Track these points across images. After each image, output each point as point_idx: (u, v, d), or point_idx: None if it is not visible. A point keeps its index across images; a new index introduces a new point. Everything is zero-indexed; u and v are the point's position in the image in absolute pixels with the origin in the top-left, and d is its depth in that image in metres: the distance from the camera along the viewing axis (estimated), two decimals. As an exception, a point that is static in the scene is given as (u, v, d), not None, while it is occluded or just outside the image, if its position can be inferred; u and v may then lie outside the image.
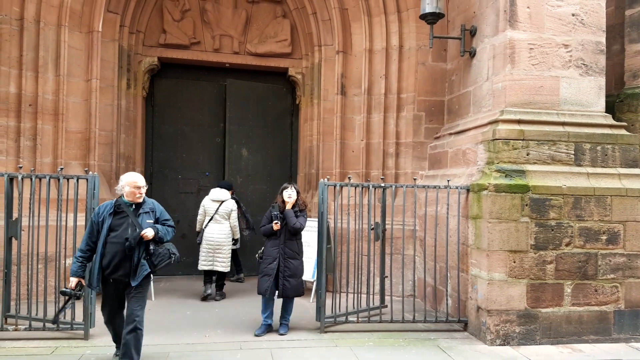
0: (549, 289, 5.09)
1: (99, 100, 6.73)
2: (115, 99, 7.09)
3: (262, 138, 8.43)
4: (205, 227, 6.72)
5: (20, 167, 5.61)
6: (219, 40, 7.99)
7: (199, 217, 6.86)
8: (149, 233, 3.96)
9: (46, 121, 6.36)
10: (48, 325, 4.85)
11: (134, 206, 4.09)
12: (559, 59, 5.45)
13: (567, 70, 5.46)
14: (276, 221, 5.21)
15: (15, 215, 5.09)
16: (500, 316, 5.01)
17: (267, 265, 5.23)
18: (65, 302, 4.05)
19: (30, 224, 5.10)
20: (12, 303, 5.17)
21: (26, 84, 6.25)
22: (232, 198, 7.01)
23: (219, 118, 8.43)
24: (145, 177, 7.93)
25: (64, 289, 4.00)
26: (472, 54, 6.16)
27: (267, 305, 5.28)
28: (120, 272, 3.97)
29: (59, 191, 4.97)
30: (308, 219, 7.28)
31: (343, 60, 7.41)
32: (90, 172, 5.40)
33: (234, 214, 6.83)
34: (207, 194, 7.08)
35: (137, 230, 3.96)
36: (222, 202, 6.77)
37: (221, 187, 7.00)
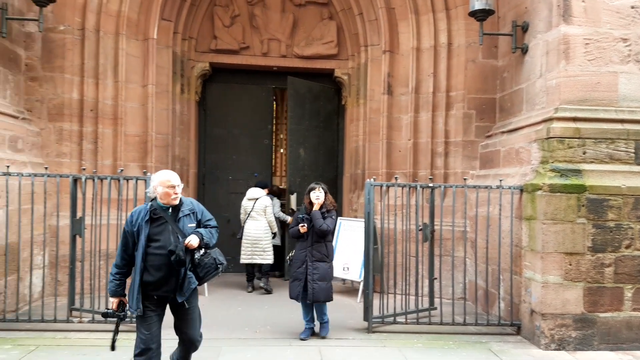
0: (608, 293, 4.88)
1: (155, 105, 7.05)
2: (170, 104, 7.40)
3: (316, 138, 8.42)
4: (244, 224, 7.24)
5: (84, 169, 5.95)
6: (267, 44, 8.15)
7: (241, 216, 7.37)
8: (193, 241, 3.42)
9: (106, 125, 6.71)
10: (110, 318, 5.10)
11: (170, 209, 3.54)
12: (617, 53, 5.21)
13: (625, 65, 5.21)
14: (303, 224, 5.09)
15: (79, 214, 5.40)
16: (555, 320, 4.86)
17: (296, 269, 5.15)
18: (116, 327, 3.62)
19: (93, 222, 5.40)
20: (77, 297, 5.50)
21: (87, 90, 6.61)
22: (268, 196, 7.51)
23: (267, 121, 8.61)
24: (198, 178, 8.40)
25: (106, 310, 3.64)
26: (524, 51, 5.99)
27: (306, 310, 5.21)
28: (165, 288, 3.47)
29: (119, 191, 5.24)
30: (354, 219, 7.41)
31: (390, 59, 7.38)
32: (148, 174, 5.65)
33: (269, 210, 7.30)
34: None
35: (180, 238, 3.42)
36: (257, 199, 7.28)
37: (256, 187, 7.51)
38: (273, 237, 7.38)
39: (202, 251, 3.50)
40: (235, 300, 6.61)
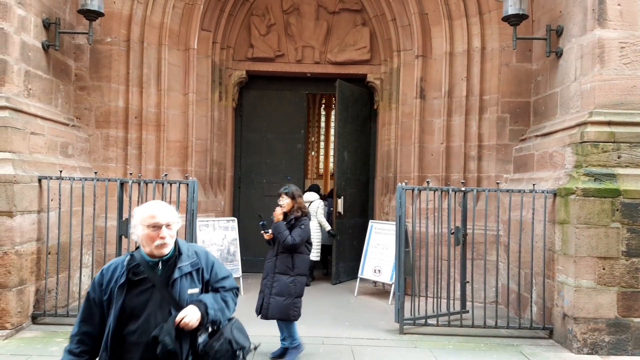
0: (643, 299, 4.83)
1: (195, 112, 7.37)
2: (209, 111, 7.71)
3: (356, 141, 8.47)
4: None
5: (131, 174, 6.30)
6: (301, 51, 8.37)
7: None
8: (189, 318, 2.25)
9: (150, 131, 7.06)
10: None
11: (161, 265, 2.35)
12: (654, 56, 5.15)
13: (663, 68, 5.15)
14: (266, 231, 4.66)
15: (125, 216, 5.73)
16: (588, 324, 4.84)
17: (263, 279, 4.70)
18: None
19: (137, 224, 5.70)
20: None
21: (132, 99, 6.97)
22: (321, 198, 8.20)
23: (300, 126, 8.84)
24: (234, 182, 8.69)
25: None
26: (559, 54, 5.97)
27: (279, 326, 4.70)
28: None
29: (162, 195, 5.53)
30: (385, 222, 7.49)
31: (422, 64, 7.46)
32: (190, 178, 5.93)
33: (320, 211, 7.95)
34: None
35: (174, 312, 2.27)
36: (311, 202, 7.89)
37: (310, 190, 8.33)
38: (332, 236, 7.95)
39: (208, 332, 2.36)
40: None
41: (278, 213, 4.62)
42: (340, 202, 8.08)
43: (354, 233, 8.34)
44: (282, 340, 4.66)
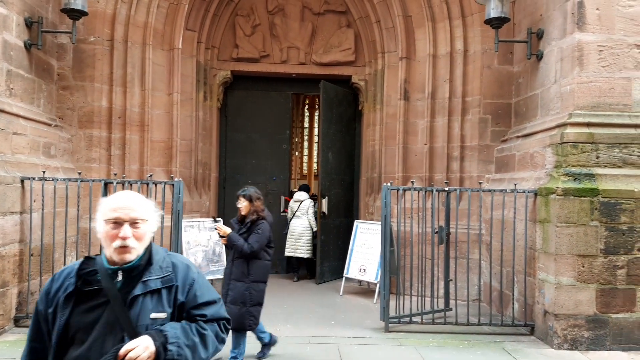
0: (620, 295, 4.97)
1: (180, 112, 7.34)
2: (193, 111, 7.69)
3: (340, 142, 8.53)
4: (289, 222, 8.27)
5: (115, 174, 6.25)
6: (286, 52, 8.39)
7: (287, 215, 8.42)
8: (137, 354, 1.67)
9: (133, 132, 7.01)
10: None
11: (121, 275, 1.80)
12: (631, 60, 5.30)
13: (639, 71, 5.30)
14: (223, 236, 4.47)
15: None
16: (568, 320, 4.97)
17: (223, 285, 4.53)
18: None
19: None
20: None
21: (116, 99, 6.91)
22: (311, 198, 8.49)
23: (285, 126, 8.86)
24: (219, 182, 8.68)
25: None
26: (539, 57, 6.11)
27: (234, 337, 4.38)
28: None
29: (147, 195, 5.50)
30: (370, 222, 7.56)
31: (406, 65, 7.55)
32: (176, 178, 5.91)
33: (311, 210, 8.29)
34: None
35: (127, 340, 1.72)
36: (302, 201, 8.28)
37: (301, 190, 8.68)
38: (315, 237, 8.19)
39: None
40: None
41: (220, 227, 4.46)
42: (324, 202, 8.13)
43: (339, 233, 8.40)
44: (232, 349, 4.33)
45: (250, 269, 4.33)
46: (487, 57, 7.07)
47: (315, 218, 8.17)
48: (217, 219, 4.66)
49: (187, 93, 7.56)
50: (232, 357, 4.33)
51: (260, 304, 4.42)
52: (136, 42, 7.01)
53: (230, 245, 4.40)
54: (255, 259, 4.37)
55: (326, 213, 8.08)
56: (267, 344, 4.65)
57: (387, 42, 7.88)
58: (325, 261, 8.12)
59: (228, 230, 4.42)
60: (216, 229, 4.54)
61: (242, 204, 4.46)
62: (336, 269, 8.13)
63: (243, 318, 4.24)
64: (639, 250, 4.99)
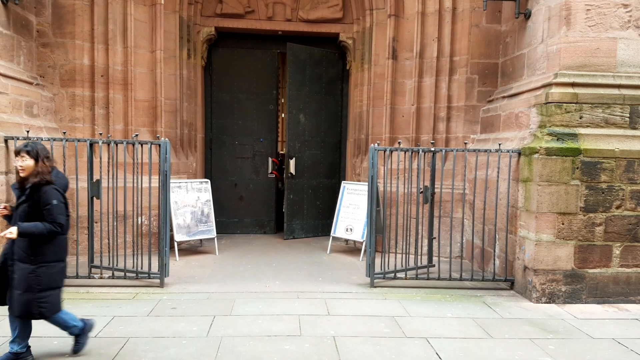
0: (597, 251, 5.17)
1: (163, 70, 7.18)
2: (177, 69, 7.53)
3: (317, 103, 8.55)
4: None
5: (100, 134, 6.18)
6: (272, 8, 8.19)
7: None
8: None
9: (117, 91, 6.88)
10: (128, 274, 5.47)
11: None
12: (618, 19, 5.31)
13: (625, 31, 5.32)
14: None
15: (96, 177, 5.66)
16: (546, 275, 5.17)
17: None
18: None
19: (109, 185, 5.66)
20: (96, 255, 5.84)
21: (98, 56, 6.75)
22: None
23: (272, 86, 8.74)
24: (205, 143, 8.63)
25: None
26: (527, 16, 6.07)
27: (12, 324, 3.52)
28: None
29: (134, 155, 5.48)
30: (357, 183, 7.64)
31: (395, 23, 7.44)
32: (162, 138, 5.87)
33: None
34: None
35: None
36: None
37: None
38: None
39: None
40: (244, 259, 6.94)
41: (4, 234, 3.30)
42: (292, 163, 8.20)
43: (317, 193, 8.53)
44: (12, 342, 3.49)
45: (36, 248, 3.37)
46: (476, 15, 7.00)
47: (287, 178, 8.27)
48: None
49: (170, 50, 7.39)
50: (11, 352, 3.47)
51: (53, 287, 3.48)
52: (117, -3, 6.79)
53: (26, 236, 3.34)
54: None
55: (293, 174, 8.21)
56: (80, 333, 3.72)
57: (375, -1, 7.73)
58: (296, 219, 8.36)
59: (14, 229, 3.31)
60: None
61: (25, 163, 3.36)
62: (312, 228, 8.51)
63: (30, 305, 3.38)
64: (617, 208, 5.16)
